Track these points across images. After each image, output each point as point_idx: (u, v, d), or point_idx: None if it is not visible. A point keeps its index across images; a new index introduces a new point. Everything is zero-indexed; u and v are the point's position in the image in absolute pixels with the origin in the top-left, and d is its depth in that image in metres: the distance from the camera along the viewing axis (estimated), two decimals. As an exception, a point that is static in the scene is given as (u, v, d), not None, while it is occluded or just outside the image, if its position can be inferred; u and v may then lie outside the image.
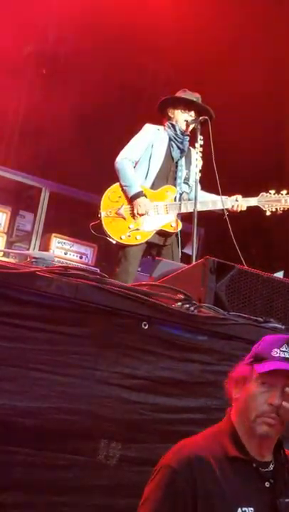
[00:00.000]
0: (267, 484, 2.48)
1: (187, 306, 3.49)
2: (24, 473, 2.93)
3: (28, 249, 7.90)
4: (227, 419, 2.60)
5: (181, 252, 6.10)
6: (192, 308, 3.49)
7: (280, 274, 4.91)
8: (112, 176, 6.01)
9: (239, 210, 5.97)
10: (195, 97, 6.12)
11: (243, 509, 2.38)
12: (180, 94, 6.20)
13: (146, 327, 3.29)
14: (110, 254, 6.13)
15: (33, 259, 3.29)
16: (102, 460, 3.09)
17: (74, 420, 3.04)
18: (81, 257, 8.12)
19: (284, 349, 2.54)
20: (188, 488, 2.36)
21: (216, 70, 8.61)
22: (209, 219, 6.39)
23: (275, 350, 2.53)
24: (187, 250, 6.14)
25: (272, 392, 2.49)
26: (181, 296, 3.55)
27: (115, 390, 3.16)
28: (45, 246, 7.94)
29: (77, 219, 8.40)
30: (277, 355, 2.52)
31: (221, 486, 2.38)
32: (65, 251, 7.99)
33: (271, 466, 2.53)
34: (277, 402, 2.47)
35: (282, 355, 2.52)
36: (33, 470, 2.94)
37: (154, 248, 5.99)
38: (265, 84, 8.79)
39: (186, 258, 6.10)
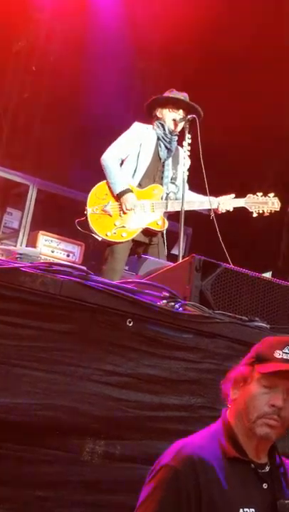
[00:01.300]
0: (265, 486, 2.47)
1: (172, 304, 3.48)
2: (6, 468, 2.92)
3: (15, 247, 7.88)
4: (223, 420, 2.56)
5: (168, 252, 6.10)
6: (177, 306, 3.48)
7: (268, 275, 4.92)
8: (100, 173, 6.01)
9: (225, 210, 5.99)
10: (182, 96, 6.11)
11: (245, 510, 2.37)
12: (167, 94, 6.20)
13: (130, 324, 3.28)
14: (99, 252, 6.12)
15: (18, 255, 3.28)
16: (85, 456, 3.08)
17: (57, 417, 3.03)
18: (68, 255, 8.10)
19: (286, 351, 2.52)
20: (191, 487, 2.33)
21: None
22: (197, 218, 6.40)
23: (278, 351, 2.50)
24: (175, 251, 6.14)
25: (274, 394, 2.46)
26: (167, 294, 3.55)
27: (99, 386, 3.15)
28: (32, 243, 7.91)
29: (65, 217, 8.40)
30: (280, 356, 2.50)
31: (222, 486, 2.36)
32: (52, 249, 7.97)
33: (267, 468, 2.52)
34: (279, 403, 2.45)
35: (285, 357, 2.50)
36: (16, 465, 2.94)
37: (140, 247, 5.99)
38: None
39: (172, 257, 6.11)
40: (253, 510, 2.38)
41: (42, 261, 3.37)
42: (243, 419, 2.49)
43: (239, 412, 2.51)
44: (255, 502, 2.41)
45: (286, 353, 2.52)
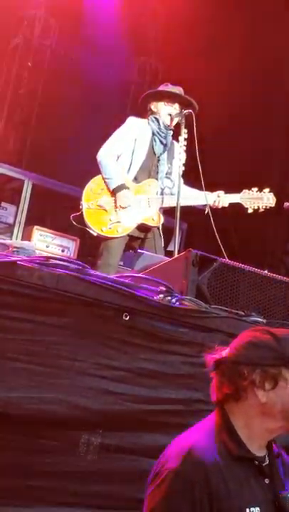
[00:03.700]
0: (266, 481, 2.45)
1: (169, 298, 3.48)
2: (2, 458, 2.93)
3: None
4: (221, 417, 2.52)
5: (165, 249, 6.09)
6: (174, 300, 3.48)
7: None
8: (95, 168, 5.99)
9: (221, 206, 5.99)
10: (178, 89, 6.10)
11: (251, 509, 2.34)
12: (162, 88, 6.20)
13: (127, 318, 3.28)
14: (96, 247, 6.11)
15: (15, 249, 3.27)
16: (81, 448, 3.09)
17: (53, 410, 3.03)
18: (63, 250, 8.10)
19: None
20: (205, 496, 2.27)
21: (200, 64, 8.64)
22: (192, 213, 6.39)
23: None
24: (171, 247, 6.14)
25: None
26: (163, 289, 3.54)
27: (95, 380, 3.15)
28: (26, 238, 7.91)
29: (60, 212, 8.40)
30: None
31: (229, 487, 2.32)
32: (46, 244, 7.97)
33: (267, 460, 2.51)
34: None
35: None
36: (10, 454, 2.95)
37: (135, 241, 5.99)
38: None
39: (169, 254, 6.10)
40: (258, 508, 2.36)
41: (39, 255, 3.37)
42: (274, 419, 2.47)
43: (266, 413, 2.47)
44: (259, 500, 2.39)
45: None
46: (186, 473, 2.29)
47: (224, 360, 2.55)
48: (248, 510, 2.33)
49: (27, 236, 7.98)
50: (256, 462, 2.46)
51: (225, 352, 2.57)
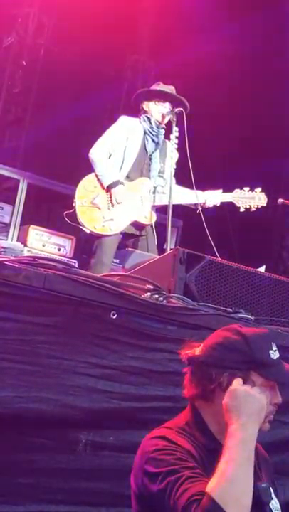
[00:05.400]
0: None
1: (156, 296, 3.50)
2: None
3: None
4: (193, 413, 2.55)
5: (162, 248, 6.10)
6: (161, 298, 3.50)
7: (261, 269, 4.93)
8: (90, 167, 6.00)
9: (212, 205, 6.01)
10: (169, 88, 6.11)
11: None
12: (154, 87, 6.20)
13: (114, 317, 3.30)
14: (91, 246, 6.12)
15: (2, 249, 3.29)
16: (70, 446, 3.12)
17: (42, 409, 3.05)
18: (59, 249, 8.09)
19: (275, 348, 2.49)
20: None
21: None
22: (188, 211, 6.41)
23: (271, 352, 2.47)
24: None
25: (272, 392, 2.46)
26: (151, 287, 3.56)
27: (83, 378, 3.18)
28: (22, 238, 7.91)
29: (56, 211, 8.42)
30: (275, 357, 2.47)
31: (207, 470, 2.31)
32: (43, 243, 7.96)
33: None
34: (280, 400, 2.47)
35: (278, 356, 2.48)
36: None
37: (129, 239, 6.00)
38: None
39: (163, 250, 6.11)
40: None
41: (26, 255, 3.39)
42: None
43: None
44: None
45: (275, 350, 2.49)
46: (165, 439, 2.37)
47: (195, 359, 2.55)
48: None
49: (23, 235, 7.98)
50: None
51: (198, 349, 2.56)
